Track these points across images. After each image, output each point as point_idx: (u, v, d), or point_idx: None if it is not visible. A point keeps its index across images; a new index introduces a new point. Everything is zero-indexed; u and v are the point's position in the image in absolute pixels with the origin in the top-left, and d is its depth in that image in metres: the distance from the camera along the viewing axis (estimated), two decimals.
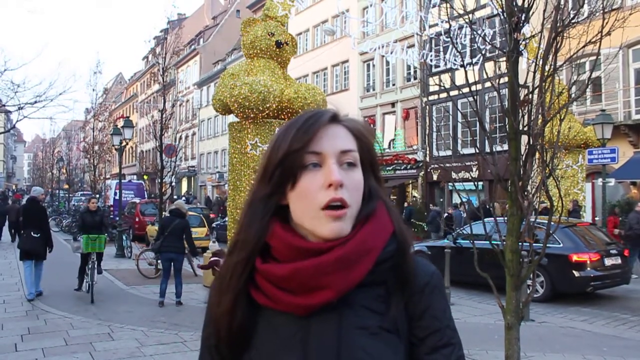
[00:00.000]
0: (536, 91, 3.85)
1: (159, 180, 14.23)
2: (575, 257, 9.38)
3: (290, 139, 1.00)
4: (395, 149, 26.35)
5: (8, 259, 14.38)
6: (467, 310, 8.88)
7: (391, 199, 26.16)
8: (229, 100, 8.96)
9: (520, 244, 3.90)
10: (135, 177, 46.95)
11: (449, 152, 19.49)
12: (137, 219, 20.04)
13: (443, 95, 20.87)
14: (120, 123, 19.39)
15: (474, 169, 15.40)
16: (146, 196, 27.94)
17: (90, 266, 9.48)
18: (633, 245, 11.77)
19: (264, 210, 1.04)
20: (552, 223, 3.99)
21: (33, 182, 70.09)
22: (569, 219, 11.46)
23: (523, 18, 3.88)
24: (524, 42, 4.24)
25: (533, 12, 3.92)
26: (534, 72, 3.88)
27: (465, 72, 4.14)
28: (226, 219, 22.82)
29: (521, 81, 4.00)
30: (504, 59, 4.06)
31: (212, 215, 23.68)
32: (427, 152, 24.05)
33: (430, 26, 17.82)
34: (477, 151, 4.23)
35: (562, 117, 3.99)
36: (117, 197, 20.62)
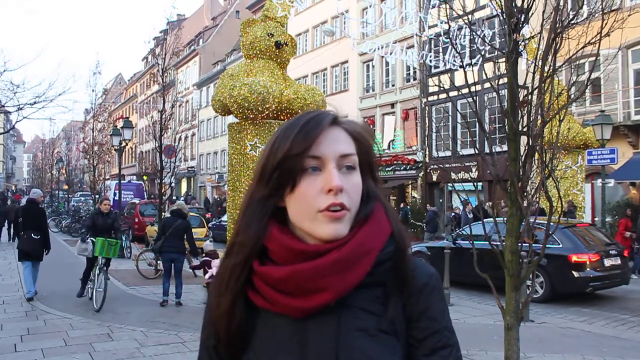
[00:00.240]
0: (535, 92, 3.85)
1: (159, 181, 14.23)
2: (574, 258, 9.39)
3: (289, 142, 0.99)
4: (395, 150, 26.36)
5: (8, 260, 14.36)
6: (467, 311, 8.89)
7: (390, 200, 26.22)
8: (229, 101, 8.96)
9: (519, 244, 3.91)
10: (134, 177, 46.94)
11: (449, 153, 19.49)
12: (136, 220, 20.04)
13: (442, 96, 20.88)
14: (120, 124, 19.40)
15: (474, 170, 15.40)
16: (146, 197, 27.94)
17: (97, 272, 8.80)
18: None
19: (261, 212, 1.03)
20: (552, 223, 4.00)
21: (32, 182, 70.09)
22: (567, 220, 11.46)
23: (522, 19, 3.89)
24: (523, 43, 4.25)
25: (532, 13, 3.92)
26: (534, 73, 3.88)
27: (465, 72, 4.14)
28: (222, 218, 22.97)
29: (520, 82, 4.01)
30: (504, 59, 4.07)
31: (208, 215, 23.71)
32: (427, 152, 24.06)
33: (430, 27, 17.82)
34: (477, 152, 4.24)
35: (561, 118, 4.00)
36: (116, 198, 20.60)
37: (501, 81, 4.22)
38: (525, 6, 3.86)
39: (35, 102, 16.62)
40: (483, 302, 9.54)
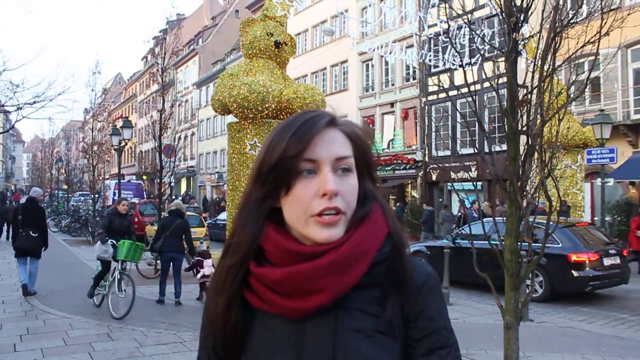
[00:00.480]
0: (535, 91, 3.85)
1: (158, 181, 14.23)
2: (574, 257, 9.39)
3: (285, 143, 0.99)
4: (394, 149, 26.37)
5: (7, 259, 14.36)
6: (466, 310, 8.89)
7: (390, 199, 26.23)
8: (228, 101, 8.96)
9: (519, 243, 3.91)
10: (134, 177, 46.96)
11: (448, 152, 19.51)
12: (136, 219, 20.02)
13: (442, 95, 20.90)
14: (119, 123, 19.41)
15: (473, 169, 15.41)
16: (145, 196, 27.94)
17: (117, 277, 8.15)
18: None
19: (257, 213, 1.03)
20: (551, 223, 4.00)
21: (32, 182, 70.03)
22: (566, 220, 11.46)
23: (522, 18, 3.89)
24: (522, 42, 4.25)
25: (532, 12, 3.92)
26: (533, 72, 3.88)
27: (464, 72, 4.14)
28: (218, 217, 22.98)
29: (520, 81, 4.01)
30: (503, 59, 4.07)
31: (204, 215, 23.74)
32: (426, 152, 24.06)
33: (429, 26, 17.83)
34: (476, 151, 4.24)
35: (560, 117, 4.00)
36: (116, 197, 20.59)
37: (501, 80, 4.22)
38: (525, 5, 3.86)
39: (34, 102, 16.58)
40: (482, 301, 9.54)
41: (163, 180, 14.16)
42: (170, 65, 19.29)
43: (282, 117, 9.10)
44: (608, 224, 15.77)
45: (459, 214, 18.97)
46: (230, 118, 10.26)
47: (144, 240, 17.35)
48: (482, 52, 4.70)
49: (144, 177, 41.24)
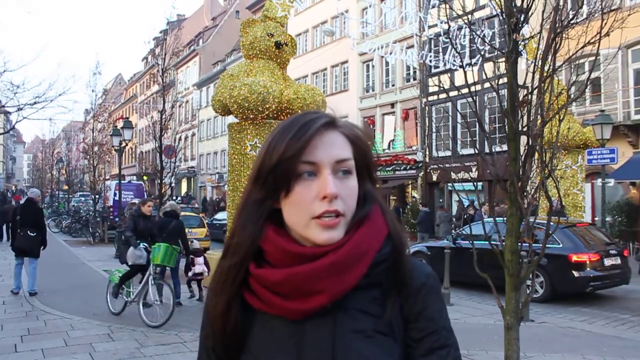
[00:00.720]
0: (535, 92, 3.86)
1: (159, 181, 14.23)
2: (574, 258, 9.39)
3: (284, 145, 0.98)
4: (395, 150, 26.37)
5: (8, 260, 14.35)
6: (467, 311, 8.88)
7: (391, 200, 26.22)
8: (229, 101, 8.97)
9: (519, 244, 3.91)
10: (134, 177, 46.93)
11: (449, 153, 19.48)
12: None
13: (442, 95, 20.86)
14: (120, 124, 19.42)
15: (474, 170, 15.39)
16: (146, 197, 27.92)
17: (150, 281, 7.70)
18: None
19: (257, 214, 1.03)
20: (552, 223, 4.00)
21: (33, 183, 70.04)
22: (567, 220, 11.45)
23: (522, 19, 3.89)
24: (523, 43, 4.25)
25: (532, 13, 3.93)
26: (533, 73, 3.89)
27: (465, 72, 4.14)
28: (215, 216, 22.95)
29: (520, 82, 4.01)
30: (503, 59, 4.07)
31: (202, 215, 23.78)
32: (427, 152, 24.05)
33: (430, 27, 17.82)
34: (477, 152, 4.24)
35: (561, 118, 4.00)
36: (116, 198, 20.60)
37: (501, 81, 4.22)
38: (525, 6, 3.86)
39: (35, 103, 16.60)
40: (483, 302, 9.54)
41: (164, 181, 14.16)
42: (170, 66, 19.27)
43: (282, 117, 9.10)
44: (609, 224, 15.76)
45: (468, 214, 18.95)
46: (231, 119, 10.26)
47: None
48: (482, 53, 4.70)
49: (145, 177, 41.27)
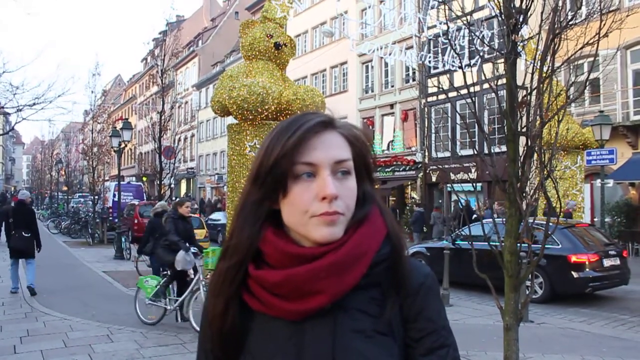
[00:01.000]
0: (534, 92, 3.86)
1: (158, 182, 14.24)
2: (574, 258, 9.39)
3: (282, 146, 0.98)
4: (394, 151, 26.37)
5: (7, 262, 14.34)
6: (466, 312, 8.89)
7: (390, 201, 26.22)
8: (228, 102, 8.96)
9: (518, 245, 3.91)
10: (134, 178, 46.84)
11: (448, 154, 19.50)
12: (136, 221, 20.03)
13: (442, 96, 20.88)
14: (119, 125, 19.41)
15: (473, 171, 15.40)
16: (145, 198, 27.91)
17: (202, 287, 7.26)
18: None
19: (255, 215, 1.03)
20: (551, 224, 4.00)
21: (32, 184, 70.03)
22: (566, 220, 11.45)
23: (521, 20, 3.89)
24: (522, 44, 4.25)
25: (531, 14, 3.93)
26: (532, 74, 3.89)
27: (464, 73, 4.15)
28: (210, 216, 22.96)
29: (519, 83, 4.01)
30: (502, 60, 4.07)
31: (197, 215, 23.81)
32: (426, 153, 24.06)
33: (429, 28, 17.85)
34: (476, 152, 4.24)
35: (560, 119, 4.00)
36: (116, 199, 20.60)
37: (500, 82, 4.22)
38: (524, 7, 3.87)
39: (34, 104, 16.62)
40: (482, 302, 9.54)
41: (163, 182, 14.16)
42: (170, 67, 19.30)
43: (281, 118, 9.09)
44: (608, 225, 15.77)
45: (475, 215, 18.94)
46: (230, 120, 10.25)
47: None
48: (481, 54, 4.70)
49: (144, 178, 41.22)
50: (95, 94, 25.99)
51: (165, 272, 8.09)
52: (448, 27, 4.48)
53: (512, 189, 3.84)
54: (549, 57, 3.81)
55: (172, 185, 16.14)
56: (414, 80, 25.51)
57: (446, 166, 14.76)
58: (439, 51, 17.10)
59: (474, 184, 4.58)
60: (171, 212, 8.23)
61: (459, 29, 12.54)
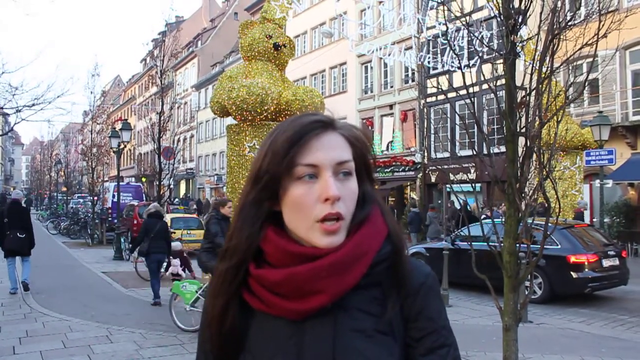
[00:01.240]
0: (533, 93, 3.86)
1: (157, 183, 14.23)
2: (573, 259, 9.39)
3: (281, 147, 0.98)
4: (394, 151, 26.38)
5: (5, 263, 14.33)
6: (466, 312, 8.89)
7: (389, 201, 26.22)
8: (227, 103, 8.96)
9: (517, 245, 3.91)
10: (133, 179, 46.84)
11: (447, 154, 19.50)
12: (135, 222, 20.02)
13: (441, 97, 20.89)
14: (119, 125, 19.40)
15: (472, 171, 15.40)
16: (144, 198, 27.89)
17: None
18: None
19: (255, 216, 1.03)
20: (550, 224, 4.00)
21: (31, 184, 70.01)
22: (565, 221, 11.45)
23: (520, 20, 3.90)
24: (521, 45, 4.26)
25: (530, 15, 3.94)
26: (531, 74, 3.89)
27: (463, 74, 4.15)
28: (203, 217, 22.88)
29: (518, 83, 4.02)
30: (501, 61, 4.08)
31: (193, 216, 23.82)
32: (425, 154, 24.07)
33: (428, 28, 17.85)
34: (475, 153, 4.24)
35: (559, 119, 4.01)
36: (115, 200, 20.58)
37: (499, 82, 4.23)
38: (523, 8, 3.87)
39: (33, 104, 16.57)
40: (482, 303, 9.54)
41: (162, 183, 14.15)
42: (169, 68, 19.28)
43: (281, 119, 9.10)
44: (607, 225, 15.78)
45: (484, 216, 18.97)
46: (229, 120, 10.25)
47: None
48: (480, 55, 4.70)
49: (143, 179, 41.20)
50: (95, 94, 25.96)
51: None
52: (447, 28, 4.49)
53: (511, 190, 3.84)
54: (548, 58, 3.82)
55: (172, 186, 16.12)
56: (413, 80, 25.52)
57: (445, 167, 14.75)
58: (438, 52, 17.11)
59: (473, 185, 4.58)
60: (213, 212, 7.69)
61: (458, 30, 12.57)
